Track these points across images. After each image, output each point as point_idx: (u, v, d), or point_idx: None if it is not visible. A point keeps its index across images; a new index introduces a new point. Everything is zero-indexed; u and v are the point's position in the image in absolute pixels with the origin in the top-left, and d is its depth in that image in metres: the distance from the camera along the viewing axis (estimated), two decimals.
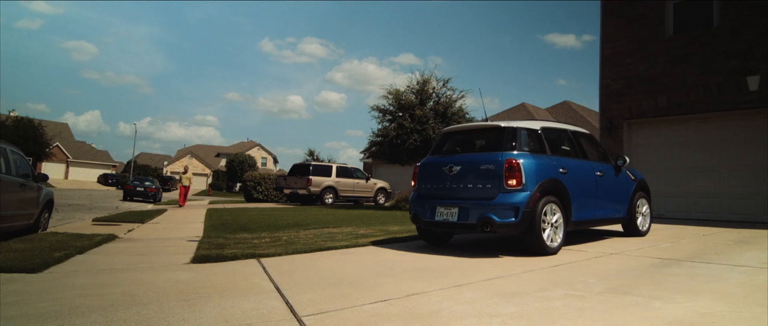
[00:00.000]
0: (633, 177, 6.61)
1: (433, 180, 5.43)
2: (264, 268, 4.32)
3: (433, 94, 20.00)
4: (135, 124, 62.84)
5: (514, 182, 4.78)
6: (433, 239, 5.88)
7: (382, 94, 21.30)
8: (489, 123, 5.48)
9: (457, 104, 19.55)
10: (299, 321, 2.61)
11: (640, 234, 6.55)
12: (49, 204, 7.89)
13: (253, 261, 4.71)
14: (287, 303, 3.00)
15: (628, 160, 6.40)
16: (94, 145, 68.60)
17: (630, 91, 10.88)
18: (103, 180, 56.98)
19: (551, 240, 4.95)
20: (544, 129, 5.51)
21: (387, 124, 19.25)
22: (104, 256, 5.07)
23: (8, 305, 2.95)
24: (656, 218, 9.90)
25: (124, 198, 25.39)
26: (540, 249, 4.85)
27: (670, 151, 10.42)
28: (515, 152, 4.95)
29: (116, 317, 2.66)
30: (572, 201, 5.25)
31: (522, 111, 28.67)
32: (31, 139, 43.28)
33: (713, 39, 9.77)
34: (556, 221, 5.04)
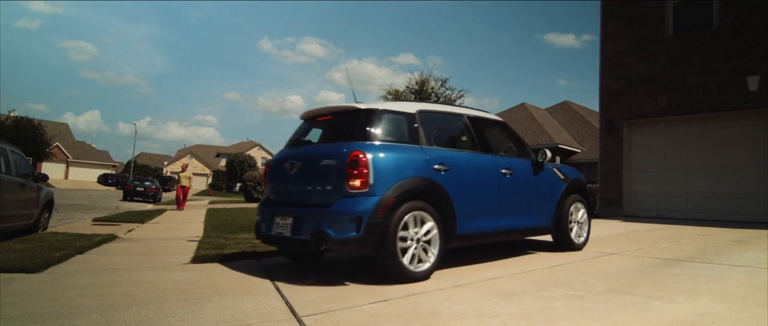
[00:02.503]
0: (562, 176, 5.27)
1: (278, 181, 4.30)
2: (264, 268, 4.32)
3: (432, 94, 20.01)
4: (135, 124, 62.83)
5: (357, 183, 3.53)
6: (297, 256, 4.63)
7: (381, 94, 21.25)
8: (346, 105, 4.10)
9: (457, 104, 19.57)
10: (299, 321, 2.61)
11: (573, 247, 5.21)
12: (49, 204, 7.89)
13: (253, 262, 4.71)
14: (287, 303, 3.00)
15: (549, 153, 5.05)
16: (94, 145, 68.62)
17: (630, 91, 10.88)
18: (103, 180, 56.98)
19: (417, 262, 3.67)
20: (422, 113, 4.21)
21: None
22: (104, 256, 5.07)
23: (8, 305, 2.95)
24: (656, 218, 9.91)
25: (124, 198, 25.39)
26: (396, 273, 3.55)
27: (670, 151, 10.42)
28: (366, 142, 3.71)
29: (116, 317, 2.66)
30: (456, 207, 3.96)
31: (522, 111, 28.66)
32: (31, 139, 43.27)
33: (713, 39, 9.78)
34: (426, 235, 3.75)
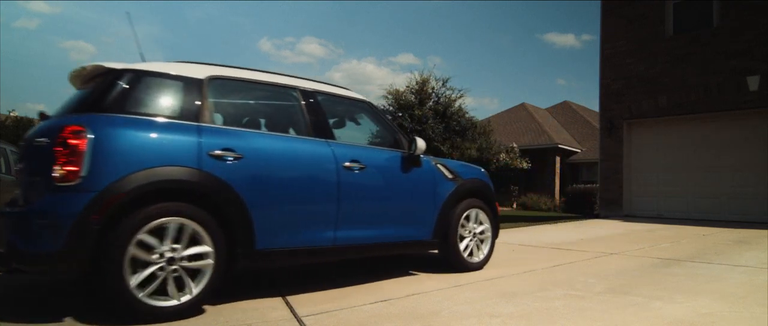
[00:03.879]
0: (451, 175, 4.07)
1: (18, 171, 3.30)
2: (263, 268, 4.32)
3: (433, 94, 20.00)
4: None
5: (64, 172, 2.44)
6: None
7: (381, 94, 21.24)
8: (99, 64, 2.95)
9: (457, 103, 19.58)
10: (299, 321, 2.61)
11: (464, 266, 4.04)
12: None
13: None
14: (287, 303, 2.99)
15: (421, 143, 3.78)
16: None
17: (630, 91, 10.88)
18: None
19: (179, 295, 2.59)
20: (216, 80, 3.09)
21: None
22: None
23: None
24: (656, 218, 9.91)
25: None
26: (128, 311, 2.48)
27: (670, 151, 10.42)
28: (97, 114, 2.64)
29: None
30: (253, 213, 2.87)
31: (522, 111, 28.67)
32: None
33: (713, 39, 9.78)
34: (195, 256, 2.66)
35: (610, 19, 11.42)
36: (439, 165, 4.06)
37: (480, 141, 20.60)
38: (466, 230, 4.11)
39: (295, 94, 3.48)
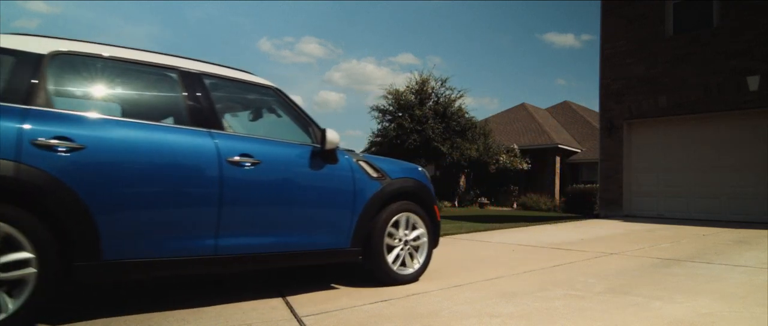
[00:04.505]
0: (375, 174, 3.51)
1: None
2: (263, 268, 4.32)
3: (433, 94, 20.02)
4: None
5: None
6: None
7: (381, 94, 21.28)
8: None
9: (457, 104, 19.60)
10: (299, 321, 2.61)
11: (393, 278, 3.50)
12: None
13: None
14: (287, 303, 3.00)
15: (332, 135, 3.25)
16: None
17: (630, 91, 10.88)
18: None
19: None
20: (61, 57, 2.59)
21: (387, 124, 19.27)
22: None
23: None
24: (656, 218, 9.91)
25: None
26: None
27: (670, 151, 10.42)
28: None
29: (116, 316, 2.66)
30: (96, 216, 2.39)
31: (522, 111, 28.69)
32: None
33: (713, 39, 9.78)
34: (11, 265, 2.18)
35: (610, 19, 11.42)
36: (361, 163, 3.50)
37: (480, 142, 20.61)
38: (395, 238, 3.56)
39: (172, 75, 2.97)
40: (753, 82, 9.10)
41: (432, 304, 2.95)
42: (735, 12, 9.54)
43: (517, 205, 20.91)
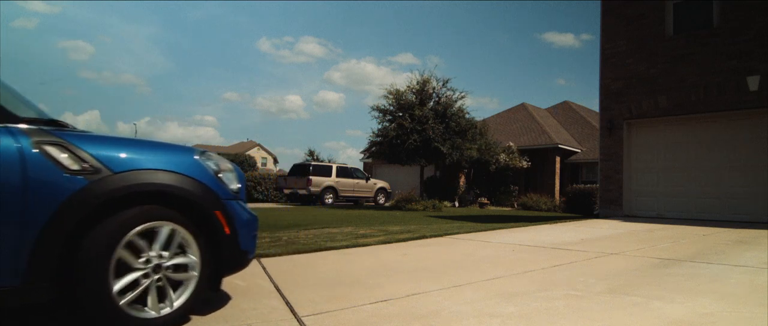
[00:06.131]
0: (78, 166, 2.23)
1: None
2: (264, 268, 4.31)
3: (433, 94, 20.00)
4: (135, 124, 62.86)
5: None
6: None
7: (381, 93, 21.27)
8: None
9: (457, 104, 19.59)
10: (299, 321, 2.61)
11: (119, 320, 2.23)
12: None
13: (252, 261, 4.70)
14: (287, 303, 2.99)
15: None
16: None
17: (630, 91, 10.88)
18: None
19: None
20: None
21: (387, 124, 19.26)
22: None
23: None
24: (656, 218, 9.92)
25: None
26: None
27: (670, 151, 10.43)
28: None
29: None
30: None
31: (522, 111, 28.69)
32: None
33: (713, 39, 9.78)
34: None
35: (610, 18, 11.42)
36: (47, 147, 2.20)
37: (480, 142, 20.62)
38: (141, 258, 2.34)
39: None
40: (753, 82, 9.10)
41: (432, 304, 2.94)
42: (735, 12, 9.54)
43: (517, 205, 20.90)
